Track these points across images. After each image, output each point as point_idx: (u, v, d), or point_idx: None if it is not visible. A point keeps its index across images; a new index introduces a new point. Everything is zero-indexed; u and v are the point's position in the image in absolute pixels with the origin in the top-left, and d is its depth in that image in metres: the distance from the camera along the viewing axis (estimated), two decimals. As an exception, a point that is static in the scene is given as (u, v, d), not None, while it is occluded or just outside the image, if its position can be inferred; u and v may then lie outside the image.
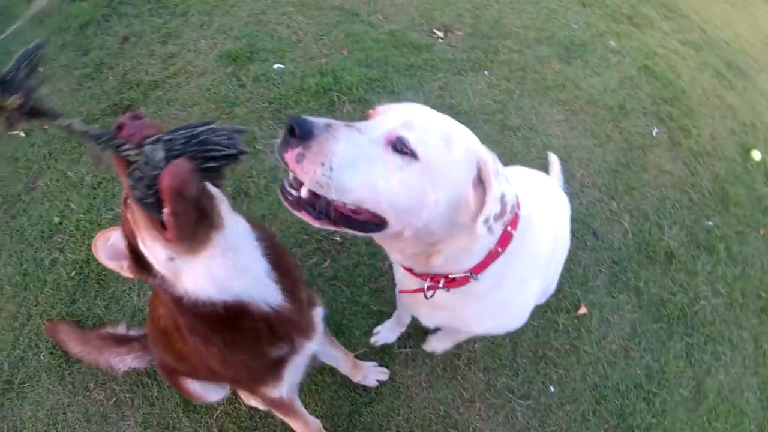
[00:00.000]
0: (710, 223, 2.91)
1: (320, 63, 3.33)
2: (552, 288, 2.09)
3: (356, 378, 2.07)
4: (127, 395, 2.09)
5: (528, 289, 1.35)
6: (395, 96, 3.13)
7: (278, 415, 1.72)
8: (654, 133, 3.23)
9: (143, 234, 0.94)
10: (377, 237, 1.01)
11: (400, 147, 0.89)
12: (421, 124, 0.92)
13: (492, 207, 0.92)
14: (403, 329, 2.23)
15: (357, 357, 2.13)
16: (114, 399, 2.08)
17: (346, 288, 2.37)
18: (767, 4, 5.65)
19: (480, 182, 0.96)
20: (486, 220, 0.93)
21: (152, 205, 0.83)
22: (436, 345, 2.19)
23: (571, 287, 2.46)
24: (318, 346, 1.42)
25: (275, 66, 3.29)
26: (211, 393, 1.82)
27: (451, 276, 1.11)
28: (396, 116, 0.94)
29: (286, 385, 1.40)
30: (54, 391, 2.11)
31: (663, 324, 2.53)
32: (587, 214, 2.70)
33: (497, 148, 2.84)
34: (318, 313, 1.42)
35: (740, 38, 4.60)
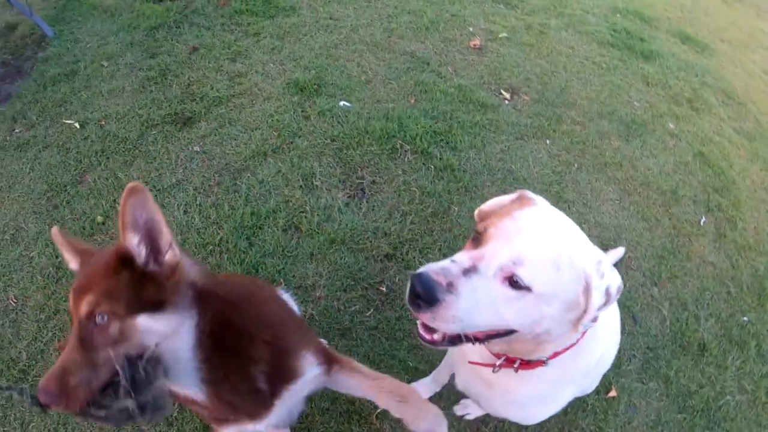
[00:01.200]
0: (745, 318, 3.07)
1: (387, 107, 3.49)
2: (592, 388, 2.21)
3: (421, 428, 1.48)
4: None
5: (567, 390, 1.48)
6: (457, 152, 3.31)
7: None
8: (702, 222, 3.40)
9: None
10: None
11: (514, 282, 1.01)
12: (532, 256, 1.01)
13: (597, 303, 1.04)
14: (438, 389, 2.35)
15: (386, 411, 1.62)
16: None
17: (386, 340, 2.45)
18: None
19: (588, 291, 1.05)
20: (592, 316, 1.05)
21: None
22: (472, 408, 2.33)
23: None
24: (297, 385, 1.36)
25: (341, 103, 3.44)
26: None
27: (527, 359, 1.25)
28: (509, 247, 1.03)
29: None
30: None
31: (687, 415, 2.69)
32: (629, 297, 2.88)
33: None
34: (299, 385, 1.37)
35: (794, 132, 4.74)
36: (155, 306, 1.00)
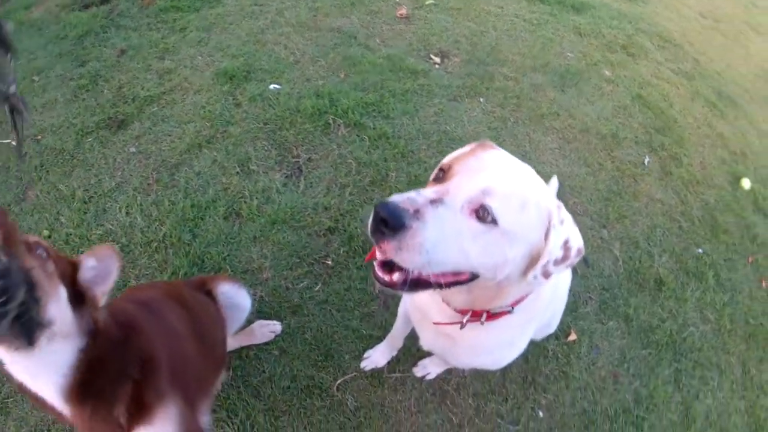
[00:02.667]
0: (700, 250, 3.13)
1: (317, 85, 3.50)
2: (553, 326, 2.25)
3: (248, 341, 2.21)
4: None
5: (530, 329, 1.51)
6: (390, 120, 3.32)
7: None
8: (646, 162, 3.47)
9: None
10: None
11: (482, 214, 0.99)
12: (501, 190, 1.01)
13: (551, 256, 1.05)
14: (394, 353, 2.35)
15: (346, 382, 2.26)
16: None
17: (337, 312, 2.47)
18: (760, 37, 5.97)
19: (548, 235, 1.07)
20: (545, 264, 1.05)
21: None
22: (431, 368, 2.33)
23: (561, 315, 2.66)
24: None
25: (272, 86, 3.44)
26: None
27: (493, 311, 1.25)
28: (475, 180, 1.03)
29: None
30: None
31: (652, 350, 2.72)
32: (579, 241, 2.90)
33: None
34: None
35: (732, 69, 4.89)
36: (74, 298, 1.11)
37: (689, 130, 3.84)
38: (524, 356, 2.47)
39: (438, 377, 2.36)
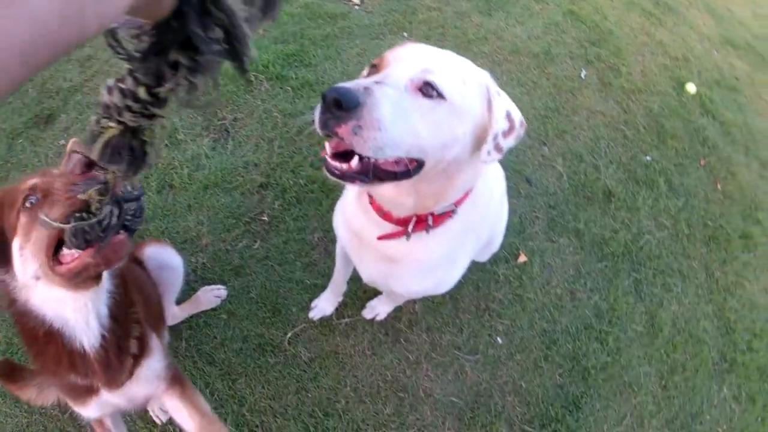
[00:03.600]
0: (648, 158, 3.06)
1: None
2: (496, 244, 2.17)
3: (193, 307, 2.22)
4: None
5: (470, 243, 1.49)
6: (313, 68, 3.19)
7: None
8: (582, 75, 3.37)
9: (30, 248, 1.02)
10: (404, 182, 1.10)
11: (427, 91, 0.99)
12: (440, 66, 1.02)
13: (498, 127, 1.07)
14: (340, 299, 2.28)
15: (296, 334, 2.21)
16: (69, 412, 2.02)
17: (279, 266, 2.41)
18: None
19: (491, 107, 1.09)
20: (495, 137, 1.06)
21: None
22: (379, 308, 2.26)
23: (508, 237, 2.55)
24: (123, 401, 1.41)
25: None
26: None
27: (437, 212, 1.25)
28: (411, 63, 1.03)
29: (95, 413, 1.44)
30: (11, 414, 2.03)
31: (608, 262, 2.64)
32: (518, 162, 2.80)
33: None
34: (148, 365, 1.41)
35: (667, -25, 4.83)
36: None
37: (626, 41, 3.76)
38: (475, 284, 2.39)
39: (388, 317, 2.28)
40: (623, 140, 3.08)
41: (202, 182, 2.63)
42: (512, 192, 2.69)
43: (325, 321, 2.28)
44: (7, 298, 1.12)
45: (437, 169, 1.08)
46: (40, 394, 1.62)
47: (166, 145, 2.78)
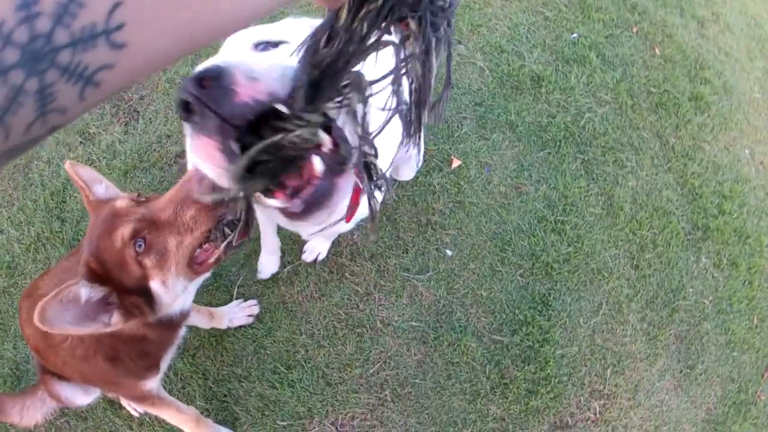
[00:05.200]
0: (574, 35, 2.91)
1: None
2: (415, 158, 2.00)
3: (223, 324, 2.03)
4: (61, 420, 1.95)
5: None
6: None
7: (153, 412, 1.72)
8: (489, -33, 3.21)
9: (173, 274, 1.08)
10: None
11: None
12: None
13: None
14: (280, 254, 2.16)
15: (240, 293, 2.15)
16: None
17: None
18: None
19: None
20: None
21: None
22: (318, 247, 2.15)
23: (437, 144, 2.40)
24: (184, 328, 1.51)
25: None
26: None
27: None
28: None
29: (159, 376, 1.53)
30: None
31: (550, 149, 2.51)
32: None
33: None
34: None
35: None
36: None
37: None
38: (410, 200, 2.25)
39: (330, 254, 2.18)
40: (544, 22, 2.93)
41: (121, 168, 2.56)
42: (432, 98, 2.53)
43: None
44: (145, 327, 1.23)
45: None
46: (25, 415, 1.65)
47: (81, 142, 2.71)
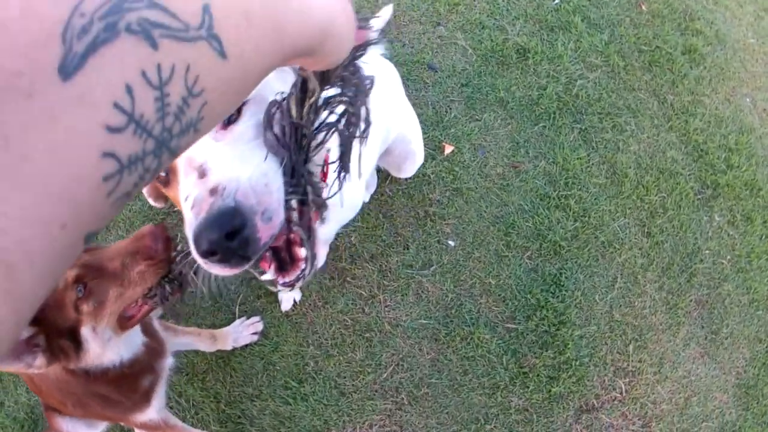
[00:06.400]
0: (555, 1, 2.74)
1: None
2: (418, 154, 1.89)
3: (228, 345, 1.94)
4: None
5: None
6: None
7: None
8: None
9: (104, 323, 1.09)
10: None
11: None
12: None
13: None
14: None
15: (244, 311, 2.03)
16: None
17: None
18: None
19: None
20: None
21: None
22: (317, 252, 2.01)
23: (426, 132, 2.25)
24: (169, 359, 1.53)
25: None
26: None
27: None
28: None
29: (155, 407, 1.49)
30: None
31: (545, 123, 2.36)
32: (415, 51, 2.48)
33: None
34: (155, 325, 1.53)
35: None
36: None
37: None
38: (406, 194, 2.11)
39: (328, 259, 2.05)
40: (524, -8, 2.76)
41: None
42: (416, 85, 2.39)
43: (266, 288, 2.06)
44: (68, 374, 1.18)
45: None
46: None
47: None
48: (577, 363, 2.02)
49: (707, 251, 2.32)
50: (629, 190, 2.29)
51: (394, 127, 1.73)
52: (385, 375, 1.96)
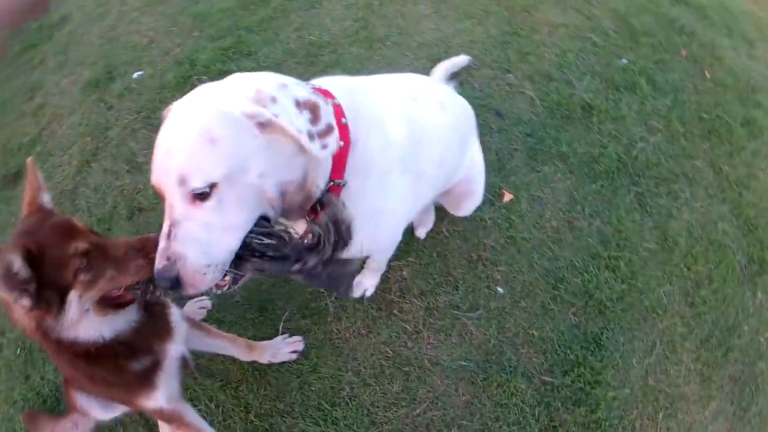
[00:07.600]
0: (624, 61, 2.75)
1: (175, 53, 3.18)
2: (477, 193, 1.93)
3: (264, 359, 1.95)
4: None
5: (393, 184, 1.32)
6: (253, 55, 2.96)
7: (172, 428, 1.62)
8: (534, -9, 3.06)
9: (90, 294, 1.16)
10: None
11: (202, 196, 0.96)
12: (187, 162, 0.95)
13: (296, 124, 0.95)
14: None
15: (286, 328, 2.05)
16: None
17: None
18: None
19: (263, 124, 0.98)
20: (307, 134, 0.96)
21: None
22: (366, 282, 2.06)
23: (487, 177, 2.26)
24: (183, 346, 1.51)
25: (134, 75, 3.15)
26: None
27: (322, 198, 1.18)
28: (171, 180, 0.97)
29: (163, 394, 1.45)
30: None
31: (603, 182, 2.36)
32: (484, 96, 2.51)
33: (369, 65, 2.65)
34: (173, 312, 1.50)
35: None
36: None
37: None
38: (461, 236, 2.12)
39: (378, 291, 2.07)
40: (593, 48, 2.77)
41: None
42: (483, 129, 2.40)
43: (315, 309, 2.08)
44: (40, 332, 1.19)
45: (288, 201, 1.08)
46: None
47: (128, 171, 2.67)
48: (607, 424, 2.00)
49: (746, 327, 2.29)
50: (678, 258, 2.27)
51: (464, 166, 1.75)
52: (418, 411, 1.96)
